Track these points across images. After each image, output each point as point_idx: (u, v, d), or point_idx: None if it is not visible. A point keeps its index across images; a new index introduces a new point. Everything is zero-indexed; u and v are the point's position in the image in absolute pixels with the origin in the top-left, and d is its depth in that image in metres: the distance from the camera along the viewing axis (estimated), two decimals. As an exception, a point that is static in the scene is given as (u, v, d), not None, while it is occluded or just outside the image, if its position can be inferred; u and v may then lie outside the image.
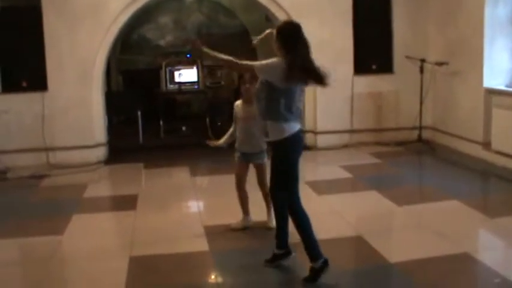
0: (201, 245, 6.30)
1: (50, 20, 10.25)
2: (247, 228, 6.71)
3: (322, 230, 5.97)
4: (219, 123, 12.31)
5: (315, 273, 5.24)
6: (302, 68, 5.31)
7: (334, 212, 7.32)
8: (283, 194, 5.45)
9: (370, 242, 6.16)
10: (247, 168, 6.69)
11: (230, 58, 5.50)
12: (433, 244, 6.13)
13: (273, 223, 6.05)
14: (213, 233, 6.65)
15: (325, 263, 5.24)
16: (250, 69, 5.52)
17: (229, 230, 6.69)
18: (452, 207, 7.29)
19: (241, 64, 5.52)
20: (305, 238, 5.37)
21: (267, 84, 5.31)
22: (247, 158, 6.61)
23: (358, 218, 7.24)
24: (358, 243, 6.31)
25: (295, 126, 5.36)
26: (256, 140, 6.45)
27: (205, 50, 5.57)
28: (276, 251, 5.69)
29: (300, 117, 5.54)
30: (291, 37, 5.40)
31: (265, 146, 6.51)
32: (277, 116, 5.28)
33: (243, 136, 6.54)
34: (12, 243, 6.71)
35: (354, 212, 7.49)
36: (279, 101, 5.25)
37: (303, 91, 5.57)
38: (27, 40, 10.36)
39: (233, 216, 6.88)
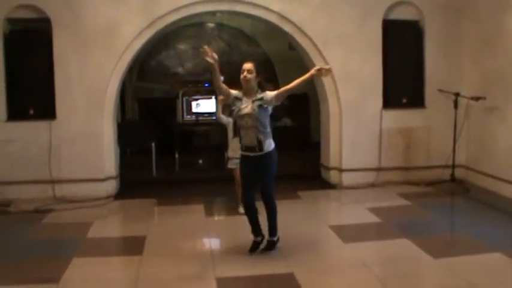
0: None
1: (60, 45, 9.77)
2: None
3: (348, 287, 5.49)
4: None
5: (273, 244, 6.98)
6: None
7: (361, 264, 6.53)
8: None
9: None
10: None
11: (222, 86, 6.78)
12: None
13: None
14: (226, 286, 5.97)
15: (278, 238, 7.05)
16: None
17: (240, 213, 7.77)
18: (495, 261, 6.50)
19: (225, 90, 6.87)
20: (274, 219, 6.97)
21: (266, 110, 6.68)
22: None
23: (389, 273, 6.37)
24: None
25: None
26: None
27: (213, 62, 6.46)
28: (258, 238, 6.99)
29: None
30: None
31: None
32: (271, 135, 6.81)
33: None
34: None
35: (384, 265, 6.67)
36: (270, 123, 6.80)
37: None
38: (36, 65, 9.93)
39: (251, 266, 6.42)
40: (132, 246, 7.38)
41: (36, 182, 9.80)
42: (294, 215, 8.76)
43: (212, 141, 14.23)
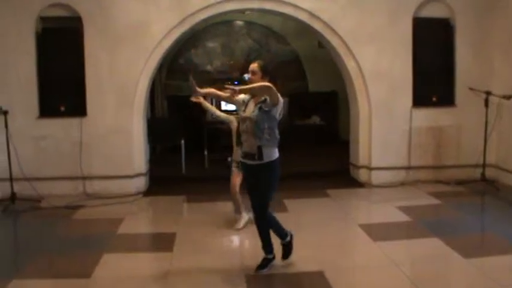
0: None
1: (90, 43, 9.85)
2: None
3: (383, 286, 5.69)
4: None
5: (287, 247, 6.46)
6: None
7: (391, 263, 6.47)
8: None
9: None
10: None
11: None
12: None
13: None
14: (255, 283, 5.97)
15: (292, 236, 6.52)
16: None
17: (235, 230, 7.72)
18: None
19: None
20: (276, 227, 6.41)
21: (268, 113, 5.99)
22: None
23: (420, 272, 6.33)
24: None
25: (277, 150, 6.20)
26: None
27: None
28: (270, 256, 6.38)
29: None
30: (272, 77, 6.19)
31: None
32: (275, 142, 6.10)
33: None
34: (37, 285, 6.11)
35: (414, 264, 6.65)
36: (275, 129, 6.09)
37: None
38: (67, 63, 10.00)
39: (280, 263, 6.42)
40: (163, 242, 7.41)
41: (67, 178, 9.91)
42: (323, 213, 8.77)
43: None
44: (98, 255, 6.81)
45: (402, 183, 10.32)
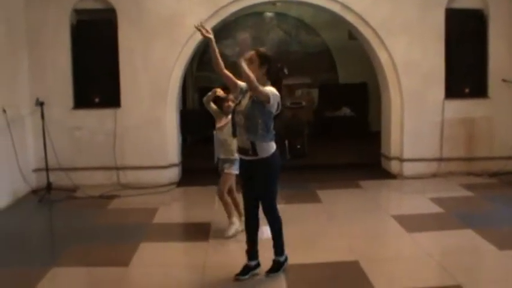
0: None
1: (124, 35, 9.98)
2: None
3: (418, 277, 5.69)
4: (298, 146, 11.78)
5: (279, 266, 5.92)
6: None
7: (426, 254, 6.51)
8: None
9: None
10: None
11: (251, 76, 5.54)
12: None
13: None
14: (293, 272, 6.00)
15: (286, 259, 6.00)
16: (264, 94, 5.54)
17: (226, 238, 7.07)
18: None
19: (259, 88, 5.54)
20: (279, 235, 5.93)
21: (261, 107, 5.58)
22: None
23: (454, 263, 6.26)
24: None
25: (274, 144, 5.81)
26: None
27: (211, 37, 5.79)
28: (252, 263, 5.95)
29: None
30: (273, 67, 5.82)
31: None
32: (271, 137, 5.71)
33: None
34: (76, 273, 6.26)
35: (449, 255, 6.61)
36: (269, 123, 5.67)
37: None
38: (102, 54, 10.13)
39: (316, 253, 6.53)
40: (198, 232, 7.49)
41: (102, 169, 10.07)
42: (356, 204, 8.82)
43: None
44: (135, 244, 6.90)
45: (434, 175, 10.29)
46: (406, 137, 10.38)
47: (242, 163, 6.01)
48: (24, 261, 6.55)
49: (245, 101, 5.71)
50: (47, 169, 9.57)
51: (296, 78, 13.54)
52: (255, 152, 5.67)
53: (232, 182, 7.27)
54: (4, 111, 9.01)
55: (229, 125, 6.21)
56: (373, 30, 10.20)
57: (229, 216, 7.25)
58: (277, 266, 5.93)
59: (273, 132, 5.76)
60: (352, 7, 10.17)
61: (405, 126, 10.36)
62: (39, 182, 9.90)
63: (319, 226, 7.67)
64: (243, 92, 5.79)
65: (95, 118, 10.07)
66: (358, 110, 15.04)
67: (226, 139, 6.99)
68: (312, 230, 7.24)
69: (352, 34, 11.72)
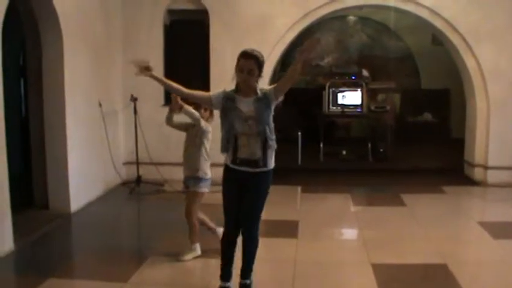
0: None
1: (216, 35, 10.24)
2: None
3: (508, 282, 5.67)
4: (381, 150, 11.84)
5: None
6: None
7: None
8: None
9: None
10: None
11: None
12: None
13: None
14: (382, 272, 6.09)
15: (251, 283, 5.38)
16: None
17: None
18: None
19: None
20: (254, 257, 5.36)
21: (269, 108, 5.18)
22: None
23: None
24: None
25: None
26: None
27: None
28: (227, 284, 5.45)
29: None
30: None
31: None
32: (274, 144, 5.22)
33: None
34: (173, 262, 6.51)
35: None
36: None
37: None
38: (193, 54, 10.40)
39: (403, 254, 6.57)
40: (287, 229, 7.68)
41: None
42: (440, 209, 8.85)
43: (354, 133, 14.44)
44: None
45: (519, 184, 10.20)
46: (491, 145, 10.31)
47: (238, 177, 5.27)
48: (123, 247, 6.99)
49: (247, 105, 5.20)
50: (137, 163, 9.92)
51: (381, 83, 13.55)
52: (265, 162, 5.16)
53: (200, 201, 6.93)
54: (100, 104, 9.42)
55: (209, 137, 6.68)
56: (462, 36, 10.18)
57: (193, 241, 6.68)
58: None
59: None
60: (441, 13, 10.18)
61: (491, 134, 10.29)
62: (128, 175, 10.29)
63: (405, 228, 7.75)
64: (228, 99, 5.35)
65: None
66: (439, 116, 14.96)
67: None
68: (398, 232, 7.33)
69: (436, 39, 11.69)
